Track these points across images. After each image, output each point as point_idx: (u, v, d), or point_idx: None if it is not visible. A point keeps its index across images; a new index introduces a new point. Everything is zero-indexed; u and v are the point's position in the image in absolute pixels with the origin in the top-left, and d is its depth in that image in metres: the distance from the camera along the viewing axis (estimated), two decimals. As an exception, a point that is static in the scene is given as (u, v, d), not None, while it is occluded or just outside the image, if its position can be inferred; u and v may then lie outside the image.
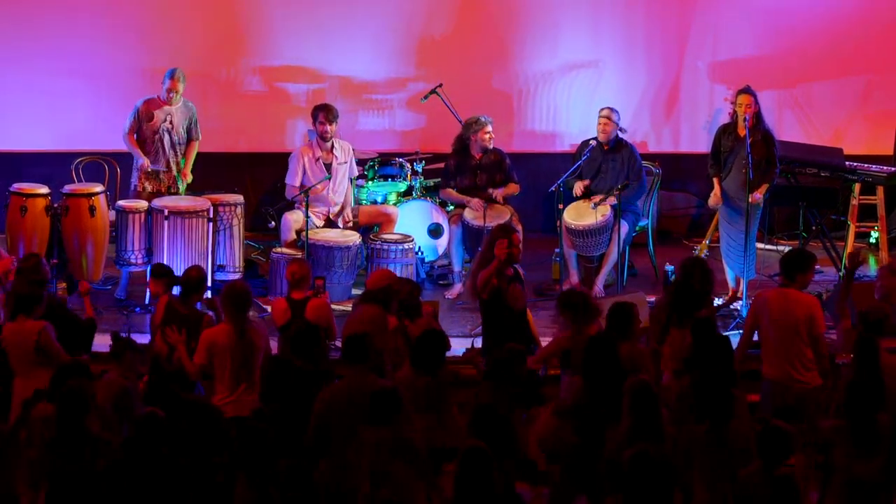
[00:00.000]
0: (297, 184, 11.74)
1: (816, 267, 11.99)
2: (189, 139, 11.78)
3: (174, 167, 11.72)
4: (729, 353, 8.13)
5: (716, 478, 7.31)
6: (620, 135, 11.82)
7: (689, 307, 8.87)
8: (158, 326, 9.03)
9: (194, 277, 9.19)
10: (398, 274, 10.95)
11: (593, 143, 11.85)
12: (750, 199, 10.99)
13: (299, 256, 11.02)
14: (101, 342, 9.56)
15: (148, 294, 11.12)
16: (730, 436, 7.39)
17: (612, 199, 11.47)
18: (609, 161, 11.75)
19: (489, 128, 11.94)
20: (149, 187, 11.66)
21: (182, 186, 11.76)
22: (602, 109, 11.83)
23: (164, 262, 10.61)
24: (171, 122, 11.66)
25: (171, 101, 11.64)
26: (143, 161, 11.58)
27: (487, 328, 9.78)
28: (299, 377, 8.05)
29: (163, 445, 7.11)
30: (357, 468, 7.36)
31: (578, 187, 11.74)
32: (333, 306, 10.25)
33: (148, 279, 10.82)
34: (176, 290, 9.33)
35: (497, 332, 9.58)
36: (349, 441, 7.60)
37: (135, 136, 11.66)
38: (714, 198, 11.41)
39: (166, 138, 11.66)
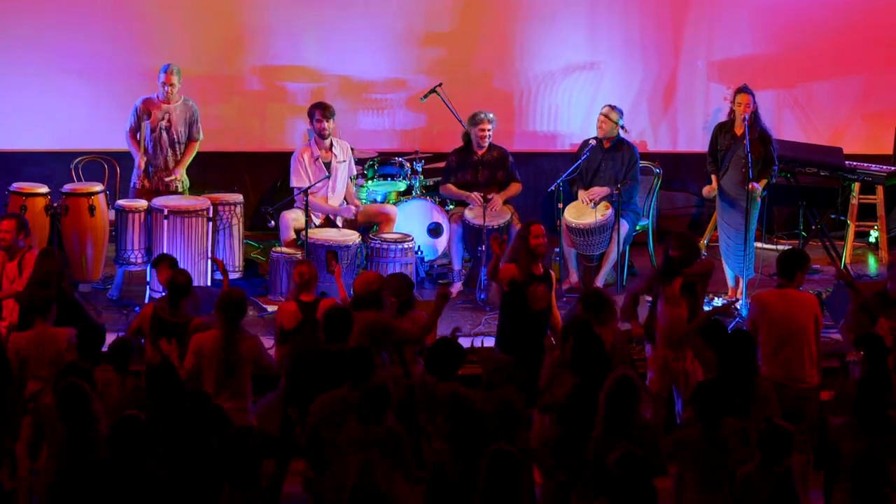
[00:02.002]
0: (306, 185, 11.66)
1: (816, 266, 12.14)
2: (190, 139, 11.78)
3: (173, 166, 11.72)
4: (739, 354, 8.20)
5: (707, 477, 7.31)
6: (622, 134, 11.82)
7: (668, 273, 8.98)
8: (149, 336, 9.03)
9: (181, 283, 9.11)
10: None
11: (593, 142, 11.85)
12: (749, 187, 10.98)
13: (300, 256, 11.02)
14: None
15: (148, 293, 11.14)
16: (722, 435, 7.37)
17: (611, 190, 11.48)
18: (609, 159, 11.75)
19: (486, 124, 11.92)
20: (147, 185, 11.66)
21: (181, 185, 11.76)
22: (603, 107, 11.86)
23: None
24: (168, 121, 11.65)
25: (170, 98, 11.63)
26: (139, 160, 11.58)
27: (503, 323, 9.72)
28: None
29: (142, 448, 7.10)
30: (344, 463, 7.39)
31: (582, 195, 11.72)
32: (333, 305, 10.26)
33: (150, 276, 10.90)
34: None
35: (513, 328, 9.55)
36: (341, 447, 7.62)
37: (136, 135, 11.67)
38: (708, 188, 11.42)
39: (164, 137, 11.65)
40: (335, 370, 8.07)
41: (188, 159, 11.79)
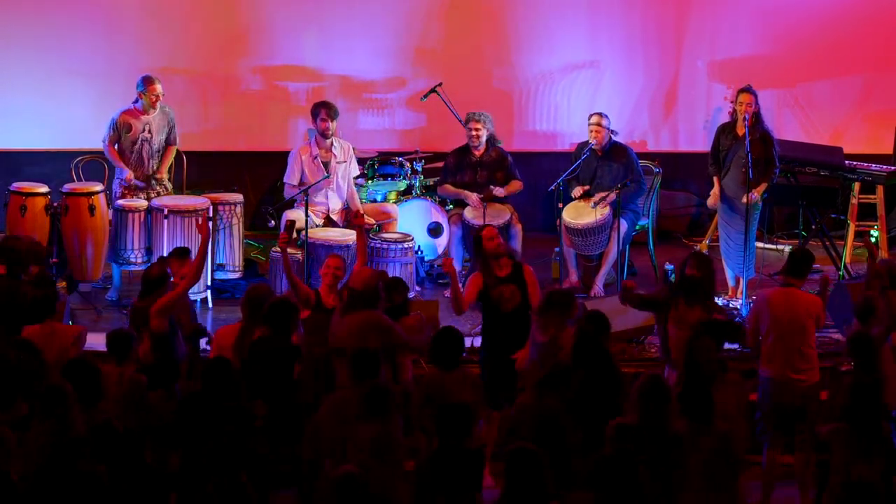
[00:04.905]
0: (296, 183, 11.70)
1: (816, 266, 12.11)
2: (167, 143, 11.75)
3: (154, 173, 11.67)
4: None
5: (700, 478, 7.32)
6: (614, 137, 11.79)
7: (688, 294, 8.92)
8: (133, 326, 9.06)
9: (153, 276, 9.14)
10: (398, 273, 10.96)
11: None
12: (745, 199, 10.99)
13: (300, 256, 11.01)
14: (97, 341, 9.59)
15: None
16: (710, 436, 7.37)
17: (612, 196, 11.46)
18: (605, 166, 11.71)
19: (473, 123, 11.89)
20: (129, 195, 11.59)
21: (170, 186, 11.73)
22: (591, 116, 11.76)
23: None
24: (149, 132, 11.59)
25: (154, 108, 11.55)
26: (128, 173, 11.54)
27: (484, 327, 9.73)
28: None
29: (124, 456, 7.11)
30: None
31: (577, 191, 11.72)
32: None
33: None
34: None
35: (491, 331, 9.56)
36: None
37: (115, 146, 11.62)
38: (713, 198, 11.42)
39: (146, 148, 11.61)
40: None
41: (168, 163, 11.75)
